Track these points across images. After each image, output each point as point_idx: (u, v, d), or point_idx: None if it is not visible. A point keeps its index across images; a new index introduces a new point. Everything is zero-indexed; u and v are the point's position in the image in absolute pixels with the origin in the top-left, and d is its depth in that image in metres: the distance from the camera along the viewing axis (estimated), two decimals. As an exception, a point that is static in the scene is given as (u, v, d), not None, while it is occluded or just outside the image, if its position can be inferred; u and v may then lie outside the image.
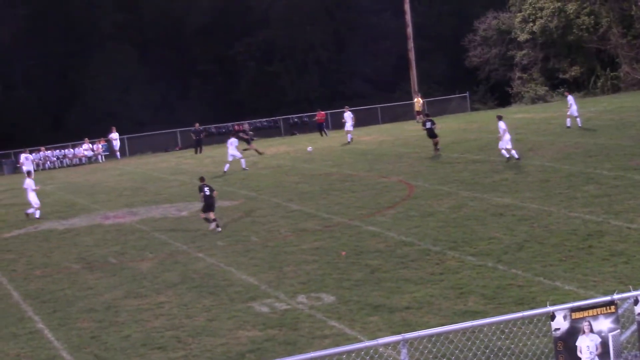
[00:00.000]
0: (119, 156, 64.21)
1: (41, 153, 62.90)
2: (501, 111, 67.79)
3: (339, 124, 67.34)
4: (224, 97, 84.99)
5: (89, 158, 63.74)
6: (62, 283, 23.59)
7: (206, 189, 29.72)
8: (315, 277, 21.49)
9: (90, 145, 64.51)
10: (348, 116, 56.65)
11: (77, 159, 63.36)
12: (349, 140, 54.85)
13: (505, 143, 36.87)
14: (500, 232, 24.33)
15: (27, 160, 54.94)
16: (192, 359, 16.38)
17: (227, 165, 44.14)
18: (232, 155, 44.68)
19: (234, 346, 16.85)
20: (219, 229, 28.88)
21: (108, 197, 40.24)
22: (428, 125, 42.52)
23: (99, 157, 64.24)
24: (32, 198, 35.75)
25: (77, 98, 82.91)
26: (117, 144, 64.81)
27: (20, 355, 17.55)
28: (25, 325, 19.73)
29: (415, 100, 65.61)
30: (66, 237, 30.76)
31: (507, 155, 36.71)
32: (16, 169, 61.60)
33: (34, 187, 36.05)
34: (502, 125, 36.98)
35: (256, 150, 51.61)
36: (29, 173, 40.21)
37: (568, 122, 45.73)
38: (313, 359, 9.95)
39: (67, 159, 63.24)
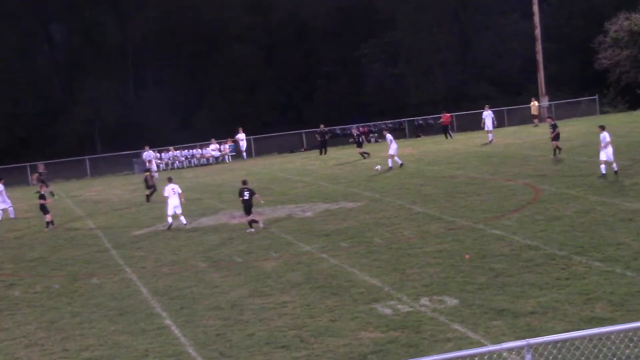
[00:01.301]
0: (245, 156, 65.15)
1: (170, 153, 64.33)
2: (632, 114, 66.14)
3: (464, 126, 66.88)
4: (349, 99, 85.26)
5: (216, 158, 64.85)
6: (189, 281, 24.07)
7: (246, 192, 30.70)
8: (438, 279, 21.35)
9: (218, 145, 65.62)
10: (488, 115, 56.14)
11: (205, 159, 64.53)
12: (490, 139, 54.36)
13: (606, 156, 34.45)
14: (629, 237, 23.68)
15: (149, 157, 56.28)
16: (315, 359, 16.47)
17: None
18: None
19: (356, 347, 16.87)
20: (252, 230, 30.49)
21: (234, 196, 40.81)
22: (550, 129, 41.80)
23: (226, 157, 65.28)
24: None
25: (205, 99, 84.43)
26: (243, 144, 65.74)
27: (149, 351, 17.96)
28: (153, 321, 20.20)
29: (532, 103, 64.46)
30: (193, 235, 31.36)
31: (604, 172, 34.18)
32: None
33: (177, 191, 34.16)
34: (606, 136, 34.65)
35: (363, 154, 51.88)
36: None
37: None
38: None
39: (195, 159, 64.46)
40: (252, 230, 30.55)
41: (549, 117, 46.63)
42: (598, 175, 34.37)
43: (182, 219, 33.35)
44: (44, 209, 36.16)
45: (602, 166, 34.41)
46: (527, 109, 67.00)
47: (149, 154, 56.90)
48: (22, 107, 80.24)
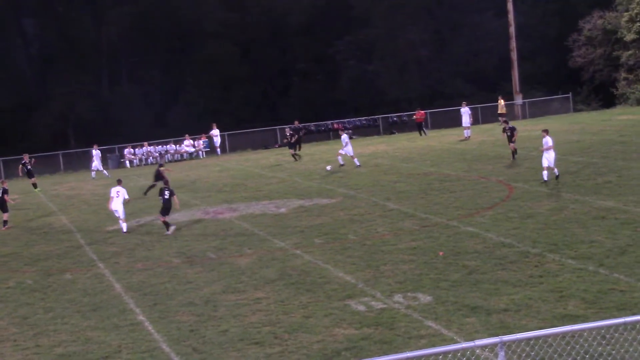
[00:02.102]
0: (219, 152, 65.01)
1: (144, 148, 64.10)
2: (605, 112, 66.58)
3: (438, 123, 67.11)
4: (324, 95, 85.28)
5: (190, 154, 64.66)
6: (162, 276, 24.01)
7: (166, 192, 30.78)
8: (412, 276, 21.41)
9: (192, 141, 65.45)
10: (465, 112, 56.33)
11: (179, 155, 64.34)
12: (466, 136, 54.58)
13: (548, 161, 33.33)
14: (602, 235, 23.85)
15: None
16: (288, 355, 16.48)
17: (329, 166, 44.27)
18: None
19: (330, 343, 16.90)
20: (168, 232, 30.28)
21: (208, 192, 40.80)
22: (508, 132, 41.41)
23: (200, 153, 65.14)
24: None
25: (180, 95, 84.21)
26: (217, 140, 65.57)
27: (122, 346, 17.91)
28: (126, 317, 20.14)
29: (499, 102, 64.64)
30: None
31: (546, 179, 33.25)
32: (120, 163, 62.98)
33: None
34: (548, 140, 33.61)
35: (294, 155, 51.50)
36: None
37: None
38: (409, 358, 9.89)
39: (168, 155, 64.26)
40: (169, 232, 30.47)
41: (505, 121, 45.50)
42: (540, 182, 33.64)
43: (123, 226, 32.06)
44: (3, 207, 35.61)
45: (544, 172, 33.50)
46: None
47: (97, 153, 56.40)
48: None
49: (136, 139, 65.55)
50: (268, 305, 19.99)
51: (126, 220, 32.31)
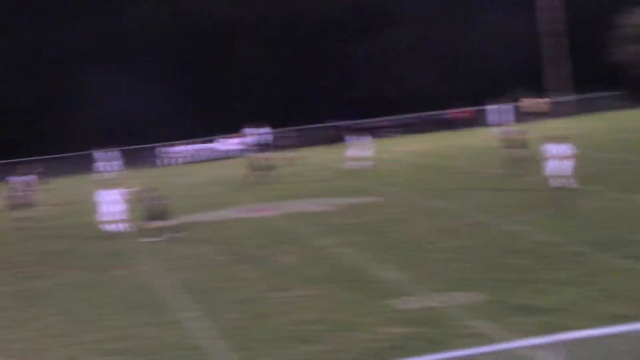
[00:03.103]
0: (266, 150, 65.06)
1: (190, 146, 64.52)
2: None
3: (485, 121, 66.75)
4: (341, 95, 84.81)
5: (235, 152, 64.89)
6: (209, 274, 24.16)
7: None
8: (457, 275, 21.33)
9: (237, 139, 65.72)
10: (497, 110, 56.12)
11: (221, 153, 64.57)
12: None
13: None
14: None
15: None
16: (334, 354, 16.50)
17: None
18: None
19: (375, 342, 16.89)
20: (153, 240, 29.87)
21: (253, 190, 40.96)
22: None
23: (246, 151, 65.24)
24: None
25: (222, 93, 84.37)
26: (266, 138, 65.70)
27: (169, 343, 18.03)
28: (173, 314, 20.29)
29: (531, 101, 63.82)
30: (213, 228, 31.44)
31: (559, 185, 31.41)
32: (166, 161, 63.42)
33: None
34: (563, 148, 31.87)
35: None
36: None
37: None
38: (456, 358, 9.88)
39: (210, 153, 64.53)
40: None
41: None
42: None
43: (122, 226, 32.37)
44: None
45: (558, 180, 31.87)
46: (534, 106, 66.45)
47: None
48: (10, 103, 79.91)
49: (182, 137, 65.89)
50: (313, 303, 20.03)
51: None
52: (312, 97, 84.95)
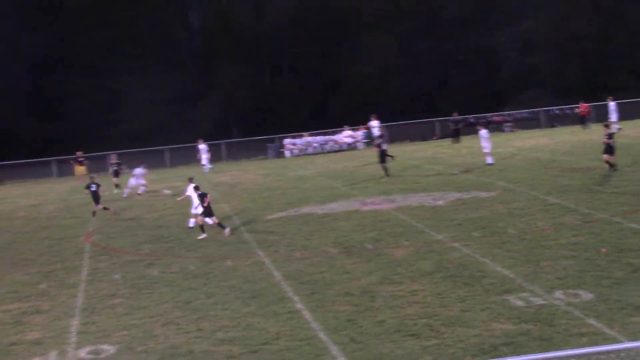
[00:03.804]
0: (377, 144, 65.04)
1: (304, 139, 64.90)
2: None
3: (601, 117, 65.17)
4: (483, 88, 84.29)
5: (349, 145, 65.00)
6: (320, 266, 24.27)
7: (199, 191, 30.56)
8: (573, 273, 20.93)
9: (351, 132, 65.77)
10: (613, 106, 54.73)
11: (338, 146, 64.76)
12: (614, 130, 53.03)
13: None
14: None
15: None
16: (445, 349, 16.40)
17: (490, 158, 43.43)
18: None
19: (487, 338, 16.73)
20: (227, 233, 29.97)
21: (366, 183, 40.98)
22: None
23: (359, 144, 65.41)
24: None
25: (339, 86, 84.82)
26: (376, 131, 65.68)
27: (280, 333, 18.21)
28: (285, 305, 20.46)
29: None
30: (325, 221, 31.58)
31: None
32: (280, 153, 63.94)
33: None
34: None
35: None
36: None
37: None
38: (569, 356, 9.70)
39: (328, 145, 64.78)
40: (228, 232, 30.27)
41: (606, 125, 40.29)
42: None
43: (191, 221, 32.53)
44: (96, 199, 37.22)
45: None
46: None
47: (204, 147, 57.14)
48: (161, 92, 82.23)
49: (295, 129, 66.56)
50: (425, 298, 19.93)
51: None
52: (438, 90, 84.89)
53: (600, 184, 33.98)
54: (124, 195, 43.58)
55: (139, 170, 44.65)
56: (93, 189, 37.24)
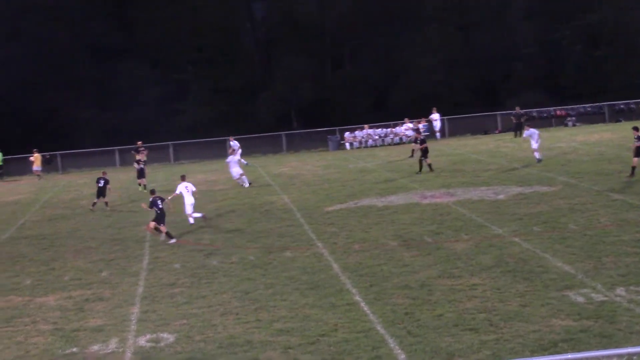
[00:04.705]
0: (438, 137, 64.80)
1: (364, 131, 64.84)
2: None
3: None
4: (547, 81, 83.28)
5: (410, 137, 64.76)
6: (379, 258, 24.25)
7: (159, 201, 29.93)
8: (635, 270, 20.63)
9: (411, 125, 65.49)
10: None
11: (398, 138, 64.55)
12: None
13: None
14: None
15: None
16: (504, 343, 16.28)
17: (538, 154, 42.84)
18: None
19: (546, 334, 16.57)
20: (173, 240, 29.31)
21: (426, 176, 40.82)
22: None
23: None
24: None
25: (400, 78, 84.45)
26: (437, 124, 65.41)
27: (338, 325, 18.22)
28: (343, 297, 20.48)
29: None
30: (384, 214, 31.54)
31: None
32: (340, 145, 63.96)
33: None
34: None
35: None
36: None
37: None
38: (631, 354, 9.57)
39: (388, 138, 64.62)
40: (167, 238, 29.65)
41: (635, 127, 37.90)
42: None
43: (191, 218, 32.53)
44: (102, 194, 38.12)
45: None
46: None
47: (235, 143, 56.83)
48: (224, 83, 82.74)
49: (356, 122, 66.53)
50: (484, 292, 19.81)
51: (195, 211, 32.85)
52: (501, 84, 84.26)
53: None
54: (246, 185, 42.93)
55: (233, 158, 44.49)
56: (100, 184, 38.11)
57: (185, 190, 32.52)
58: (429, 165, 42.55)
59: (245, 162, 52.07)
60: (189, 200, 32.42)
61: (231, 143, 56.31)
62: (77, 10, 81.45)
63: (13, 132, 72.59)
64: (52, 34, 79.51)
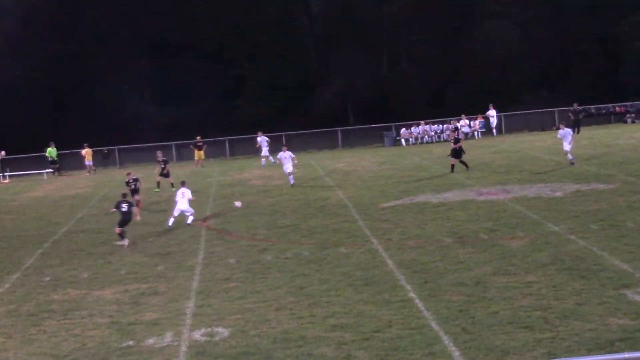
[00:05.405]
0: (495, 133, 64.42)
1: (420, 127, 64.66)
2: None
3: None
4: (605, 78, 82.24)
5: (466, 134, 64.42)
6: (433, 255, 24.17)
7: (124, 205, 29.74)
8: (695, 269, 20.35)
9: (468, 121, 65.19)
10: None
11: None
12: None
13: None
14: None
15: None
16: (559, 342, 16.14)
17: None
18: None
19: (603, 333, 16.40)
20: (126, 244, 29.21)
21: (482, 173, 40.61)
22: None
23: (476, 133, 64.82)
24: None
25: (457, 74, 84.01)
26: (494, 121, 65.04)
27: (392, 322, 18.20)
28: (397, 293, 20.45)
29: None
30: (439, 210, 31.43)
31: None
32: (396, 141, 63.87)
33: None
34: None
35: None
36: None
37: None
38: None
39: (444, 134, 64.35)
40: (124, 243, 29.57)
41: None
42: None
43: (172, 219, 32.66)
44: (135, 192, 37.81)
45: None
46: None
47: (263, 139, 56.59)
48: (280, 79, 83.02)
49: (412, 118, 66.37)
50: (539, 290, 19.65)
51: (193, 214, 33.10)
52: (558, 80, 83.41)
53: None
54: (291, 183, 42.54)
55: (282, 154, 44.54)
56: (132, 187, 37.91)
57: (181, 196, 32.97)
58: (452, 165, 42.04)
59: (273, 161, 52.25)
60: (181, 205, 32.80)
61: (258, 139, 56.48)
62: (137, 6, 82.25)
63: (72, 127, 73.64)
64: (111, 29, 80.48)
